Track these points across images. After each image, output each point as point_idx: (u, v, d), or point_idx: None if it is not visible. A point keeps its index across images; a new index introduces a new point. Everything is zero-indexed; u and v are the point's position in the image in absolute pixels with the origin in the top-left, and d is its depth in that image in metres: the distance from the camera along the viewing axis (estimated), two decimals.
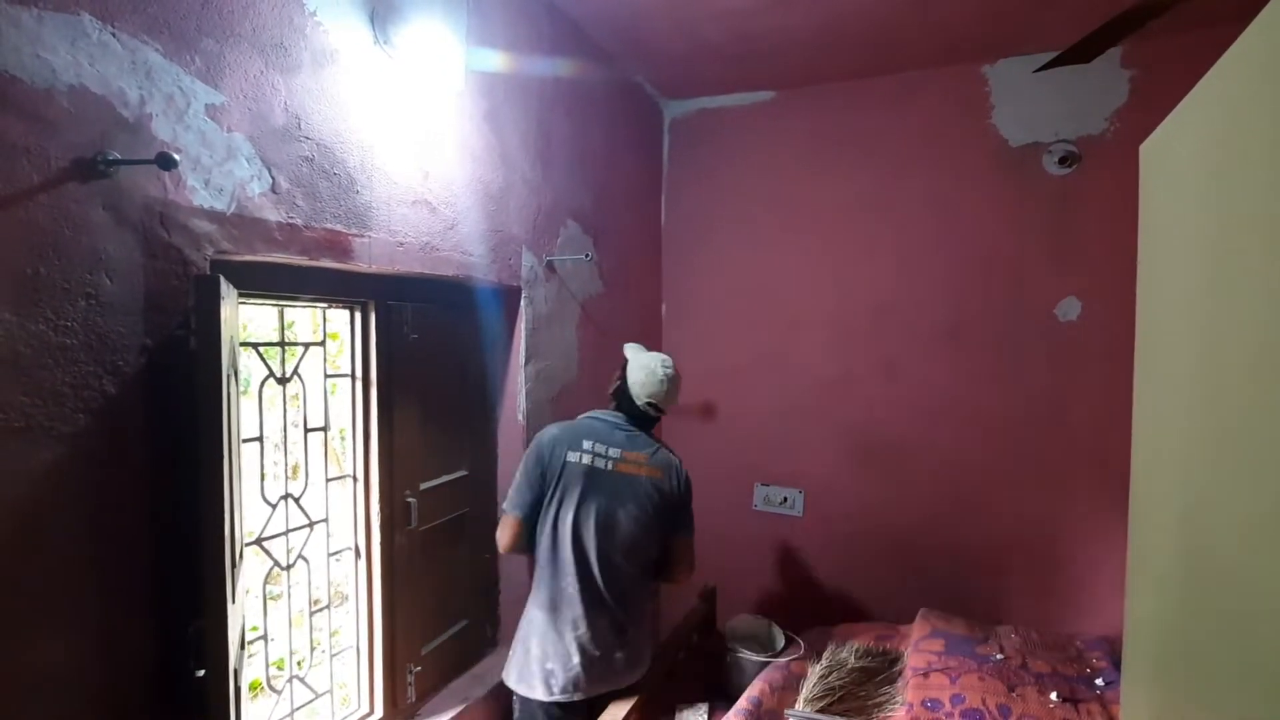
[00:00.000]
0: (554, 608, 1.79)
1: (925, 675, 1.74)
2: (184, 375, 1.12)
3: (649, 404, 1.89)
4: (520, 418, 2.16)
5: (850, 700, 1.83)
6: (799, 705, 1.84)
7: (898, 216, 2.78)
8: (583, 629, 1.77)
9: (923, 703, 1.63)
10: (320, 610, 1.68)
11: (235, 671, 1.09)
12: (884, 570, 2.81)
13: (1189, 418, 0.66)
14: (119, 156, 1.05)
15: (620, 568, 1.83)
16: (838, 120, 2.86)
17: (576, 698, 1.77)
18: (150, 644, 1.13)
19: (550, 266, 2.26)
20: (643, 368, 1.90)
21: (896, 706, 1.72)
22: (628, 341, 2.04)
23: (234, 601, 1.09)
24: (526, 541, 1.82)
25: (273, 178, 1.33)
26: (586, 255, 2.31)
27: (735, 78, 2.83)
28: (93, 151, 1.03)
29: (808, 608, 2.85)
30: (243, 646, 1.23)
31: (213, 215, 1.21)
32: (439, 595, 1.95)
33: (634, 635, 1.87)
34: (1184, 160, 0.88)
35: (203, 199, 1.20)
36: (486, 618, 2.17)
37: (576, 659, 1.76)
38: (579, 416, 1.96)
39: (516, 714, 1.84)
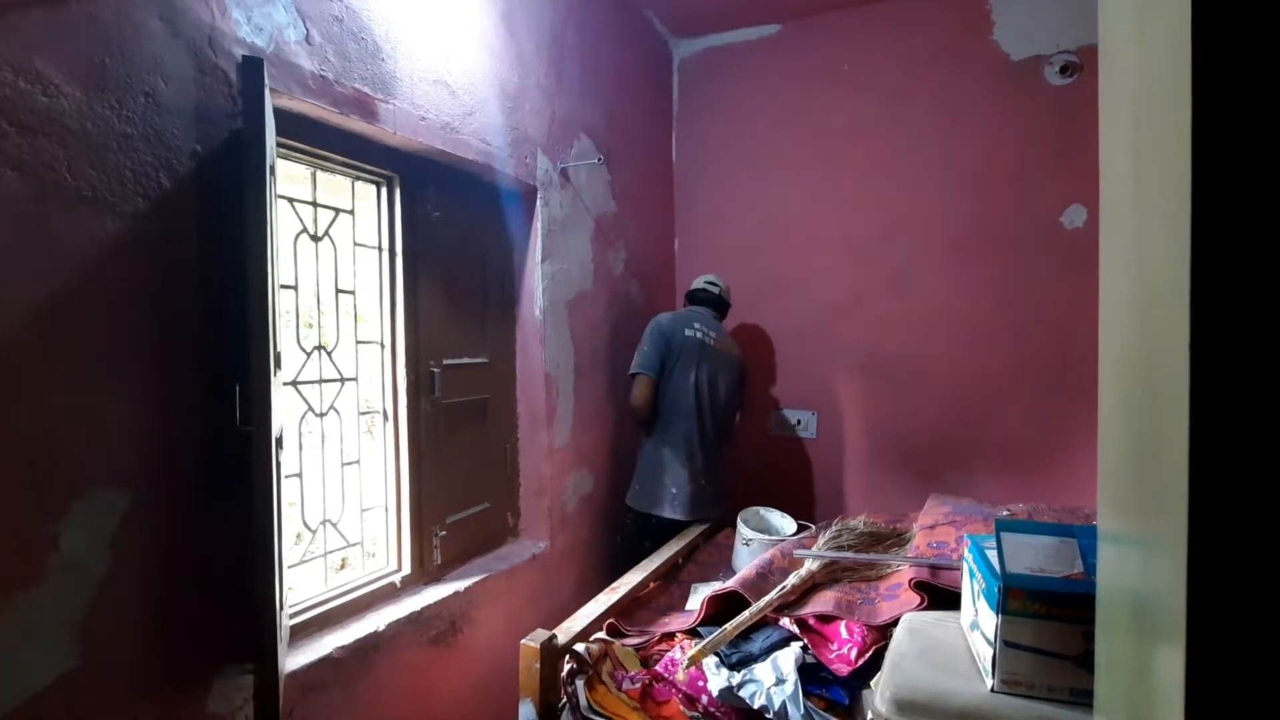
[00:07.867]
0: (677, 445, 2.39)
1: (932, 528, 1.78)
2: (232, 190, 1.24)
3: (708, 282, 2.65)
4: (538, 314, 2.26)
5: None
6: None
7: (904, 138, 2.84)
8: (696, 463, 2.39)
9: (929, 544, 1.67)
10: (351, 464, 1.78)
11: (276, 439, 1.19)
12: (896, 480, 2.85)
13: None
14: None
15: (718, 419, 2.48)
16: (842, 49, 2.94)
17: (685, 518, 2.35)
18: (200, 403, 1.24)
19: (564, 174, 2.36)
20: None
21: (905, 550, 1.76)
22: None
23: (275, 376, 1.19)
24: (656, 398, 2.39)
25: (307, 29, 1.45)
26: (598, 159, 2.41)
27: (742, 10, 2.93)
28: None
29: (822, 518, 2.89)
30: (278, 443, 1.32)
31: (253, 49, 1.33)
32: (462, 471, 2.04)
33: (721, 474, 2.53)
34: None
35: (245, 32, 1.32)
36: (508, 506, 2.25)
37: (691, 485, 2.36)
38: (679, 310, 2.63)
39: (629, 527, 2.45)
